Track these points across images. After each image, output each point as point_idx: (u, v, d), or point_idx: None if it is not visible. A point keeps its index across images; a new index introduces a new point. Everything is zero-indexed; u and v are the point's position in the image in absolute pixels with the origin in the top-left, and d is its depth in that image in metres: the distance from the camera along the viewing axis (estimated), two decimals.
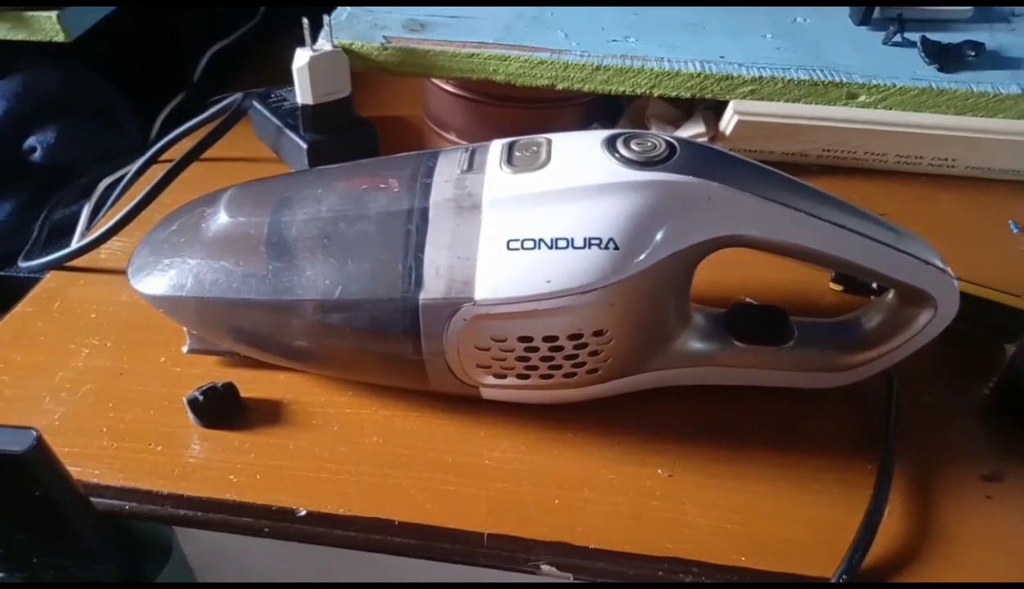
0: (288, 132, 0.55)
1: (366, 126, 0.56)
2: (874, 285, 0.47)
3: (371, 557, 0.37)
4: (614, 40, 0.56)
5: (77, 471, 0.36)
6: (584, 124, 0.61)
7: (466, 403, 0.40)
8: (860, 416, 0.41)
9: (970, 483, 0.38)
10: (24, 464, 0.30)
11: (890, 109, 0.53)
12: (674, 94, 0.54)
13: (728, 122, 0.55)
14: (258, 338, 0.38)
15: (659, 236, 0.33)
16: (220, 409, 0.38)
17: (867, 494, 0.36)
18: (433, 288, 0.34)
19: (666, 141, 0.35)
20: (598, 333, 0.35)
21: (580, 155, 0.35)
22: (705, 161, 0.35)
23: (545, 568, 0.34)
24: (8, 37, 0.55)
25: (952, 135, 0.54)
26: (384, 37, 0.55)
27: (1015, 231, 0.53)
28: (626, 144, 0.35)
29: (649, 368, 0.38)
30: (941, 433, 0.40)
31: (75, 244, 0.49)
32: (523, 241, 0.33)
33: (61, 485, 0.33)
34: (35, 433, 0.30)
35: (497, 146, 0.37)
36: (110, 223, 0.48)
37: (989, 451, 0.39)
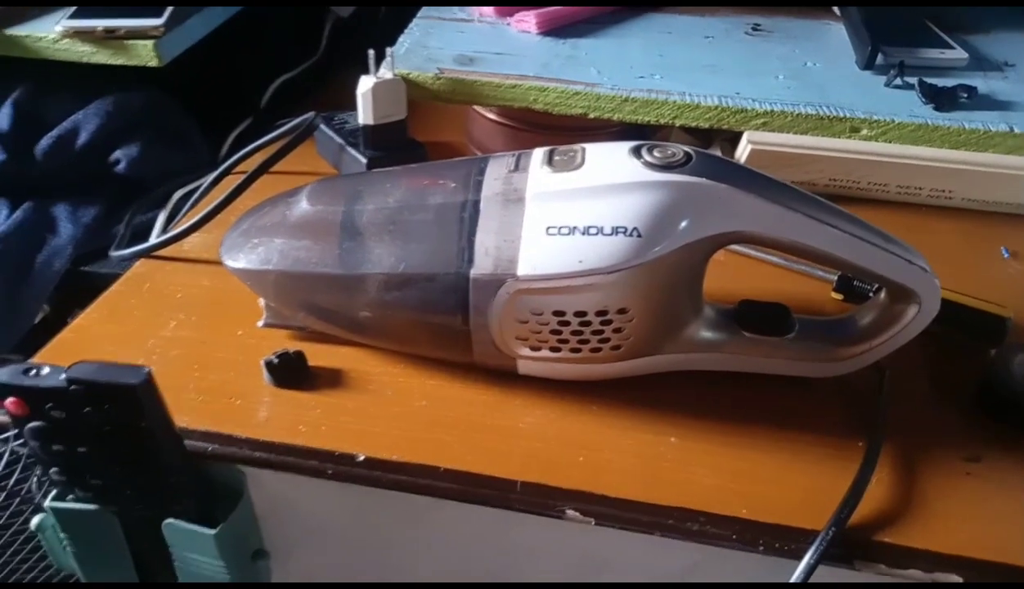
0: (349, 149, 0.62)
1: (418, 147, 0.63)
2: (871, 294, 0.52)
3: (414, 513, 0.43)
4: (641, 77, 0.63)
5: None
6: None
7: (504, 377, 0.45)
8: (853, 404, 0.45)
9: (952, 462, 0.42)
10: (136, 395, 0.36)
11: (890, 142, 0.59)
12: (694, 124, 0.60)
13: (743, 151, 0.61)
14: (327, 311, 0.44)
15: (676, 228, 0.39)
16: (291, 371, 0.44)
17: (856, 467, 0.40)
18: (482, 265, 0.40)
19: (683, 150, 0.41)
20: (622, 311, 0.40)
21: (610, 159, 0.41)
22: (716, 167, 0.41)
23: (570, 513, 0.39)
24: (110, 62, 0.63)
25: (947, 167, 0.60)
26: (438, 68, 0.62)
27: (1006, 256, 0.58)
28: (649, 151, 0.41)
29: (665, 351, 0.44)
30: (928, 422, 0.44)
31: (161, 237, 0.55)
32: (560, 228, 0.39)
33: (162, 418, 0.38)
34: (147, 369, 0.36)
35: (540, 152, 0.43)
36: (195, 218, 0.55)
37: (971, 439, 0.43)
